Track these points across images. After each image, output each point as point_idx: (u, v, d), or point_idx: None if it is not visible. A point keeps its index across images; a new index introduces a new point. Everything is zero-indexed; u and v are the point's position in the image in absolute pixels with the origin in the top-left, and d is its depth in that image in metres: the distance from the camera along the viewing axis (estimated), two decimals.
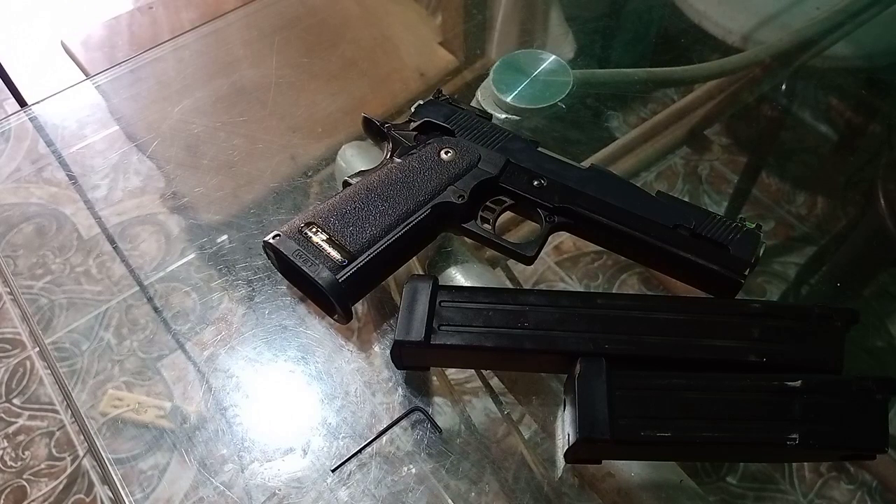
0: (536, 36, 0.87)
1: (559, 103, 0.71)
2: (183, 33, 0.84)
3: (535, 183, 0.54)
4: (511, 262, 0.67)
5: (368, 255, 0.50)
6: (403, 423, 0.53)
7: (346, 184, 0.55)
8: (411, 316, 0.48)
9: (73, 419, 1.21)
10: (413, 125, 0.59)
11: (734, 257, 0.50)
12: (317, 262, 0.50)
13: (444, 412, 0.54)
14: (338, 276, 0.49)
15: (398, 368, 0.53)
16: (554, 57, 0.74)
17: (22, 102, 1.26)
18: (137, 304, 0.62)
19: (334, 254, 0.50)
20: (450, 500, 0.51)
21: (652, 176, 0.77)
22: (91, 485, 1.19)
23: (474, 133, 0.57)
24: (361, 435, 0.52)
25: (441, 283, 0.50)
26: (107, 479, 0.54)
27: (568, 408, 0.45)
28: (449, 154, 0.55)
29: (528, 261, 0.54)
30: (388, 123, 0.59)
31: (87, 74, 0.97)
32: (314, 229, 0.51)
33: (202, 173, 0.58)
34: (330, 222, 0.52)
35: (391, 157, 0.57)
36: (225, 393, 0.55)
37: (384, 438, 0.52)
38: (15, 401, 1.27)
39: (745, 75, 0.80)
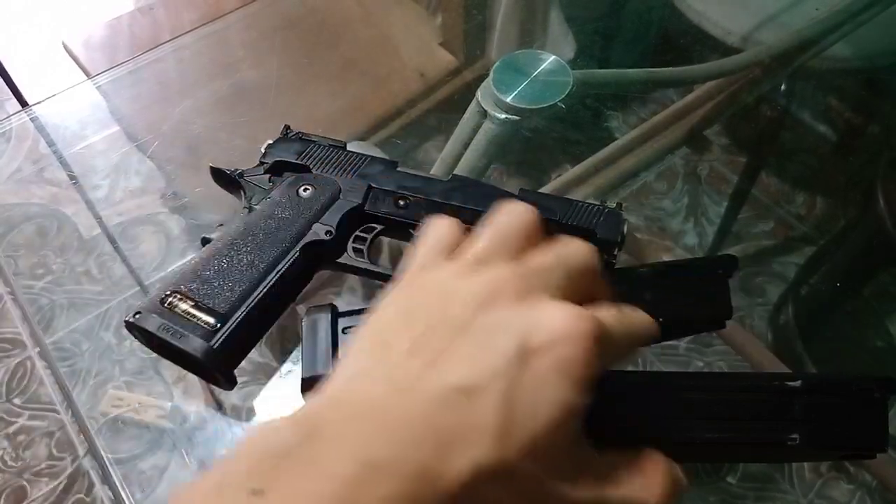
0: (536, 36, 0.87)
1: (559, 103, 0.71)
2: (183, 34, 0.84)
3: (401, 203, 0.53)
4: None
5: (241, 312, 0.47)
6: None
7: (204, 240, 0.52)
8: (315, 349, 0.45)
9: (74, 419, 1.21)
10: (265, 168, 0.56)
11: (602, 240, 0.50)
12: (186, 332, 0.46)
13: None
14: (212, 343, 0.46)
15: None
16: (554, 57, 0.74)
17: (23, 102, 1.26)
18: (138, 304, 0.62)
19: (205, 319, 0.46)
20: None
21: (652, 176, 0.77)
22: (91, 485, 1.19)
23: (330, 164, 0.55)
24: None
25: None
26: (107, 479, 0.54)
27: None
28: (308, 191, 0.53)
29: None
30: (238, 170, 0.56)
31: (87, 75, 0.98)
32: (178, 297, 0.47)
33: (203, 173, 0.58)
34: (193, 287, 0.48)
35: (249, 204, 0.54)
36: (225, 393, 0.55)
37: None
38: (15, 401, 1.28)
39: (745, 75, 0.80)
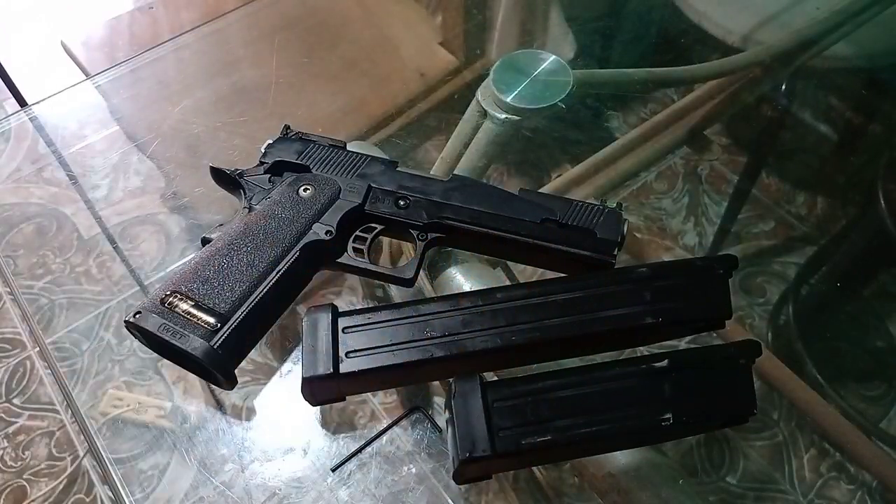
0: (536, 36, 0.87)
1: (559, 103, 0.71)
2: (183, 33, 0.84)
3: (401, 203, 0.53)
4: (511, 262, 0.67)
5: (242, 312, 0.47)
6: (403, 422, 0.53)
7: (205, 240, 0.52)
8: (315, 349, 0.46)
9: (74, 419, 1.21)
10: (265, 168, 0.56)
11: (602, 240, 0.51)
12: (186, 332, 0.46)
13: (443, 412, 0.54)
14: (212, 343, 0.46)
15: (312, 405, 0.50)
16: (554, 57, 0.74)
17: (22, 102, 1.26)
18: (138, 304, 0.62)
19: (205, 319, 0.46)
20: (450, 500, 0.51)
21: (652, 176, 0.77)
22: (91, 485, 1.19)
23: (330, 164, 0.55)
24: (361, 435, 0.52)
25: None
26: (107, 479, 0.54)
27: (449, 430, 0.45)
28: (308, 191, 0.53)
29: (409, 283, 0.52)
30: (238, 170, 0.56)
31: (87, 74, 0.97)
32: (178, 297, 0.47)
33: (202, 173, 0.58)
34: (194, 287, 0.48)
35: (249, 204, 0.54)
36: (225, 393, 0.55)
37: (384, 438, 0.52)
38: (15, 401, 1.27)
39: (745, 75, 0.80)
